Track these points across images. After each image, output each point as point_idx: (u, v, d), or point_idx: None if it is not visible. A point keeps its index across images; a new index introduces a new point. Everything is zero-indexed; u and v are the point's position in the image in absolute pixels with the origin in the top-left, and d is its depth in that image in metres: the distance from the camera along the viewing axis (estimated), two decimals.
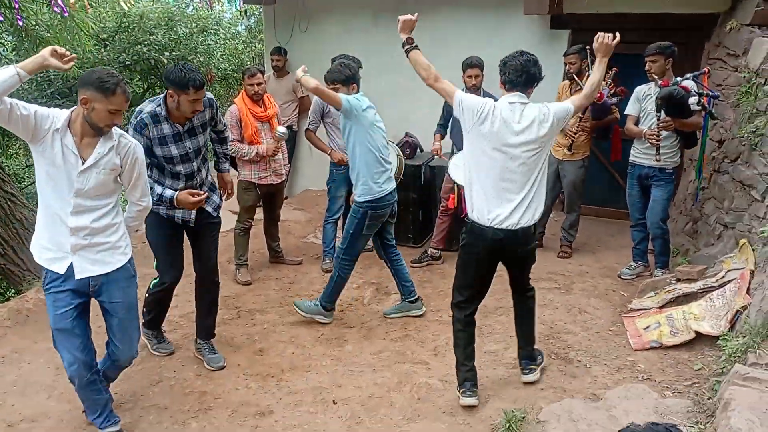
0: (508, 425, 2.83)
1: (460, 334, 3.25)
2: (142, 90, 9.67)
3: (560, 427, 2.89)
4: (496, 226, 2.95)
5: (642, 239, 4.78)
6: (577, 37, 5.97)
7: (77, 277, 2.70)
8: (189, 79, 3.11)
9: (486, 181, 2.98)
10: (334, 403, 3.30)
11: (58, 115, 2.58)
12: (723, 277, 3.77)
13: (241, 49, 11.65)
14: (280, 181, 5.02)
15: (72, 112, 2.61)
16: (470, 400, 3.14)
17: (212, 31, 10.36)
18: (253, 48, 11.43)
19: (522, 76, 2.96)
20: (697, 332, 3.46)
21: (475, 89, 4.97)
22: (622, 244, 5.37)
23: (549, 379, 3.38)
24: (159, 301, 3.71)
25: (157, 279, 3.61)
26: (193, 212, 3.48)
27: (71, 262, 2.68)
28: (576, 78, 4.91)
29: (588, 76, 4.80)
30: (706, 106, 4.18)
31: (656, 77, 4.33)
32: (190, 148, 3.38)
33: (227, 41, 11.21)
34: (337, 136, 4.97)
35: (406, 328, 4.16)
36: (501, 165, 2.94)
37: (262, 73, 4.84)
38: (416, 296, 4.35)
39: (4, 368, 3.68)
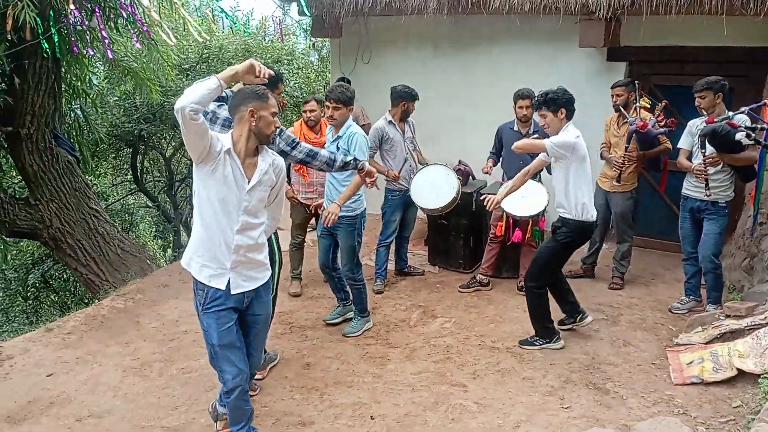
0: None
1: (545, 299, 4.16)
2: None
3: None
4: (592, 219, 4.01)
5: (694, 273, 4.71)
6: (635, 69, 5.99)
7: (233, 292, 2.83)
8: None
9: (589, 188, 4.00)
10: (372, 418, 3.46)
11: (222, 138, 2.73)
12: None
13: (312, 78, 12.21)
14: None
15: (232, 134, 2.77)
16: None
17: (286, 61, 10.92)
18: (324, 77, 11.94)
19: None
20: (739, 369, 3.40)
21: (526, 119, 5.09)
22: (677, 277, 5.27)
23: (583, 408, 3.42)
24: None
25: None
26: None
27: (229, 278, 2.83)
28: (623, 110, 4.94)
29: (635, 110, 4.84)
30: (760, 140, 4.12)
31: (705, 112, 4.31)
32: None
33: (300, 70, 11.79)
34: (391, 162, 5.21)
35: (449, 351, 4.28)
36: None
37: (318, 101, 5.13)
38: (350, 301, 4.67)
39: (78, 368, 4.07)
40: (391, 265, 5.65)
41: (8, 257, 7.45)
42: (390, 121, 5.22)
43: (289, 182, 5.13)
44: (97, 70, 7.95)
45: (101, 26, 4.85)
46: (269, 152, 2.92)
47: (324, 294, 5.35)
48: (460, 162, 6.11)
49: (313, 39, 8.93)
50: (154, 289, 5.34)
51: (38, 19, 4.30)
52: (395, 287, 5.46)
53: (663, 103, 4.77)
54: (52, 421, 3.47)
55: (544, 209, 4.90)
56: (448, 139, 6.71)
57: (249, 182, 2.80)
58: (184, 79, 8.76)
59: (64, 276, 7.56)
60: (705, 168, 4.33)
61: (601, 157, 5.24)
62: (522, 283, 5.17)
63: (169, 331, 4.57)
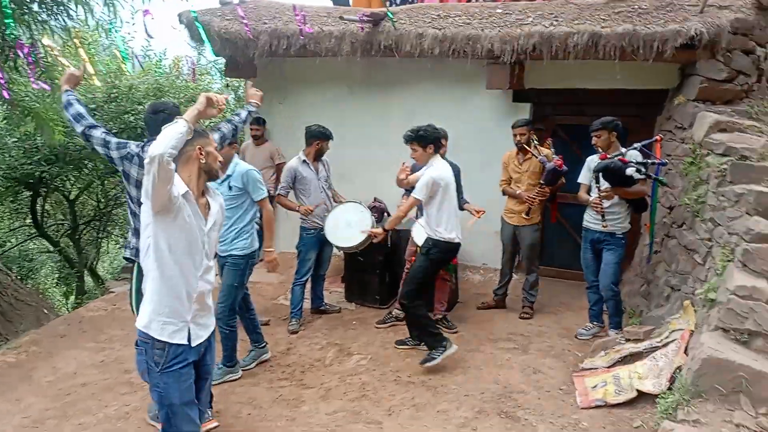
0: None
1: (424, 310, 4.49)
2: None
3: None
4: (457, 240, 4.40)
5: (597, 300, 4.94)
6: (539, 109, 6.34)
7: (193, 344, 2.71)
8: None
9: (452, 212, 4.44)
10: None
11: (175, 182, 2.57)
12: (667, 337, 3.90)
13: (229, 117, 12.09)
14: None
15: (180, 176, 2.65)
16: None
17: None
18: None
19: None
20: (639, 391, 3.56)
21: (441, 155, 5.23)
22: (583, 305, 5.49)
23: None
24: None
25: None
26: None
27: (188, 331, 2.71)
28: (528, 147, 5.19)
29: (534, 147, 5.12)
30: (651, 174, 4.44)
31: (601, 150, 4.61)
32: None
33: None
34: (306, 200, 5.19)
35: (365, 388, 4.22)
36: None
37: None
38: (264, 343, 4.62)
39: None
40: (306, 304, 5.57)
41: None
42: (304, 161, 5.22)
43: None
44: None
45: None
46: (212, 190, 2.88)
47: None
48: (375, 199, 6.19)
49: (227, 79, 8.88)
50: (50, 339, 4.98)
51: None
52: (311, 326, 5.38)
53: (550, 141, 5.22)
54: None
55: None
56: (363, 177, 6.78)
57: (206, 223, 2.74)
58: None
59: None
60: (600, 201, 4.60)
61: (504, 193, 5.45)
62: (437, 316, 5.25)
63: (65, 385, 4.26)
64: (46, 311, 5.93)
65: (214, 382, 4.16)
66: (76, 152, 8.39)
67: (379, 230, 4.75)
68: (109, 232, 11.62)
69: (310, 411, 3.92)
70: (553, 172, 4.99)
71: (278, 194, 5.27)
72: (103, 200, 10.79)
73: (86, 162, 8.75)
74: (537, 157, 5.14)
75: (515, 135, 5.29)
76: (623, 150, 4.55)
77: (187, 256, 2.66)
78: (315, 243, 5.33)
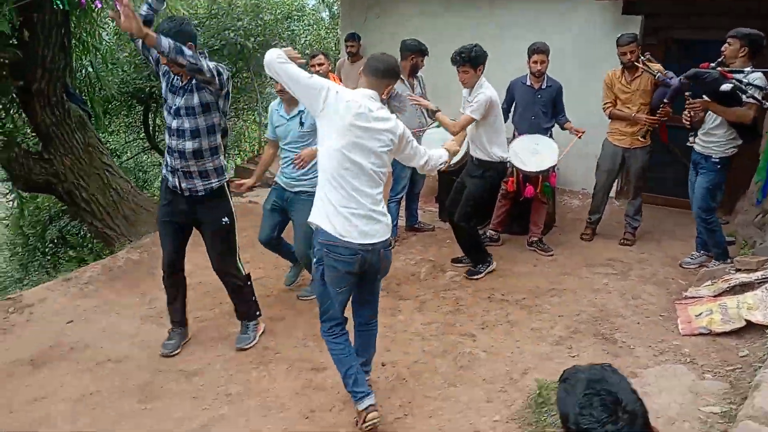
0: (539, 392, 2.96)
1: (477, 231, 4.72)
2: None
3: None
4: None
5: None
6: (651, 22, 5.85)
7: None
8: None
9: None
10: (383, 365, 3.53)
11: None
12: None
13: (323, 34, 12.05)
14: None
15: None
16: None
17: (296, 17, 10.76)
18: (335, 34, 11.79)
19: None
20: (748, 321, 3.42)
21: (539, 74, 5.02)
22: (691, 233, 5.23)
23: (590, 356, 3.46)
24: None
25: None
26: (177, 179, 3.37)
27: None
28: (637, 64, 4.82)
29: (643, 63, 4.75)
30: (762, 100, 3.97)
31: (726, 60, 4.20)
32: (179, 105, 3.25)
33: (310, 27, 11.62)
34: (400, 116, 5.16)
35: (458, 303, 4.33)
36: None
37: (325, 55, 5.07)
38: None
39: (96, 316, 4.18)
40: (401, 222, 5.67)
41: (26, 213, 7.56)
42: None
43: None
44: (106, 25, 7.86)
45: None
46: None
47: None
48: None
49: None
50: None
51: None
52: (405, 242, 5.50)
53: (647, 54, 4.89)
54: (71, 365, 3.58)
55: (556, 164, 4.88)
56: (458, 96, 6.62)
57: None
58: None
59: (81, 232, 7.66)
60: (689, 113, 4.27)
61: (612, 117, 5.15)
62: (533, 238, 5.21)
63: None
64: None
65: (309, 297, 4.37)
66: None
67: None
68: None
69: (406, 320, 4.08)
70: (678, 89, 4.62)
71: None
72: None
73: None
74: (654, 75, 4.78)
75: (624, 53, 4.89)
76: (747, 69, 4.10)
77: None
78: None
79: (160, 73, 3.38)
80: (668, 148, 5.42)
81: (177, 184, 3.39)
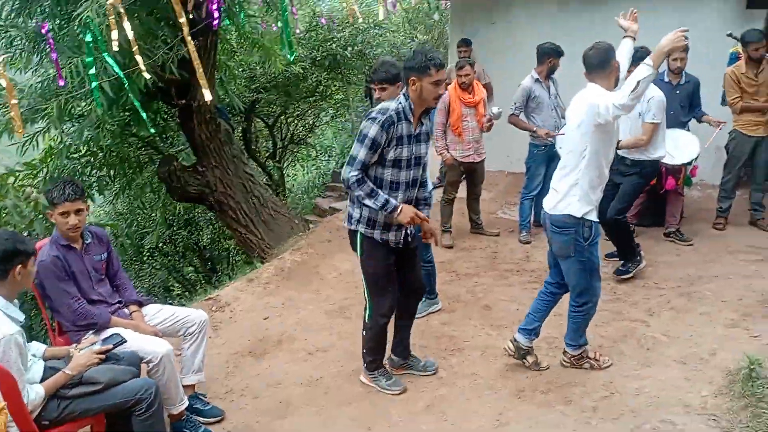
0: (751, 366, 3.16)
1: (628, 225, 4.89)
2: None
3: None
4: None
5: None
6: None
7: None
8: (430, 59, 3.02)
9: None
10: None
11: None
12: None
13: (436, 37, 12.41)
14: (480, 159, 5.62)
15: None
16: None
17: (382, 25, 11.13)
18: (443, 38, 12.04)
19: None
20: None
21: (678, 71, 5.23)
22: None
23: None
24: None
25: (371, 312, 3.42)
26: (403, 233, 3.31)
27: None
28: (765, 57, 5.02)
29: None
30: None
31: None
32: (418, 153, 3.24)
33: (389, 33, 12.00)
34: (537, 119, 5.47)
35: (615, 292, 4.58)
36: None
37: (471, 65, 5.43)
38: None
39: (286, 312, 4.61)
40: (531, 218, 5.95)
41: (165, 219, 8.20)
42: (537, 79, 5.45)
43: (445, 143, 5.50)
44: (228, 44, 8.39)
45: None
46: None
47: (474, 245, 5.72)
48: None
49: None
50: (320, 243, 5.83)
51: None
52: (538, 237, 5.76)
53: None
54: (287, 354, 4.01)
55: (697, 156, 5.08)
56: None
57: None
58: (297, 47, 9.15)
59: (215, 237, 8.29)
60: None
61: (743, 111, 5.29)
62: (670, 229, 5.41)
63: (350, 280, 5.05)
64: (296, 222, 6.85)
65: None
66: (285, 79, 9.19)
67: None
68: (308, 154, 12.74)
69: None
70: None
71: (511, 114, 5.57)
72: (299, 124, 11.78)
73: (292, 88, 9.56)
74: None
75: (757, 48, 5.09)
76: None
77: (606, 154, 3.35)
78: (544, 159, 5.61)
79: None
80: None
81: None
